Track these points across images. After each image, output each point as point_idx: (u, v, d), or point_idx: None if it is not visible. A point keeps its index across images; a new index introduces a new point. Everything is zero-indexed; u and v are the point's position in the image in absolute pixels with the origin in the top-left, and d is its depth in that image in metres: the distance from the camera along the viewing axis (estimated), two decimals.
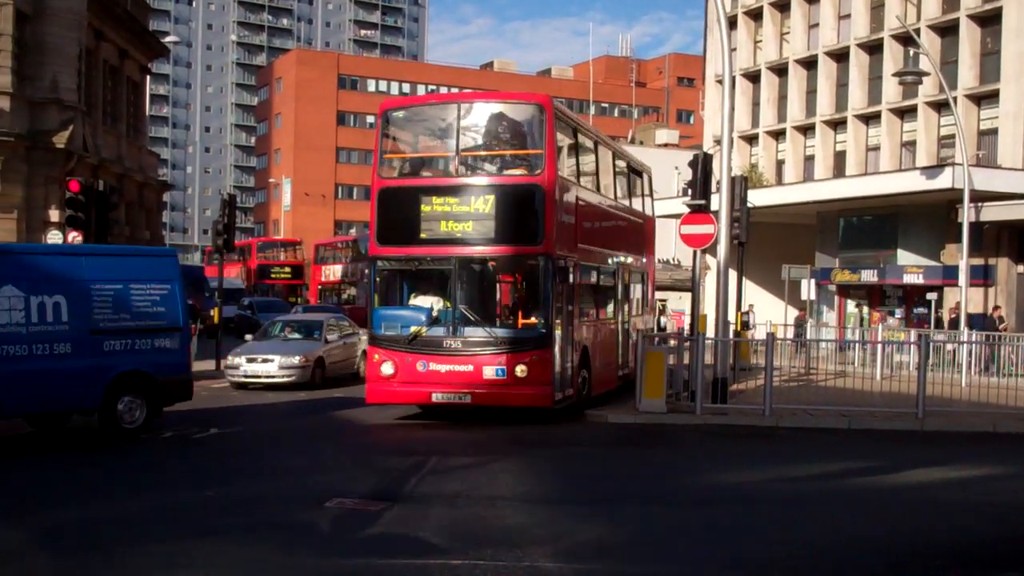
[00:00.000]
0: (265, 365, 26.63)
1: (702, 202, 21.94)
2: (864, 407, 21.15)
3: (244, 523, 11.25)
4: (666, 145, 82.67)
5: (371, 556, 9.90)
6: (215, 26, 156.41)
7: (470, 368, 19.05)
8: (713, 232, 21.59)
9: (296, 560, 9.77)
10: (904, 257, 41.16)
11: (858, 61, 50.68)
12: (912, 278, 40.23)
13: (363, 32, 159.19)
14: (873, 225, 43.67)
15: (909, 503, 13.07)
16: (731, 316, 24.43)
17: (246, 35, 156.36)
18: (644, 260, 28.11)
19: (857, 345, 32.84)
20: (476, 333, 19.26)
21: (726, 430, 19.42)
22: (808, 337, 36.11)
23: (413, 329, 19.42)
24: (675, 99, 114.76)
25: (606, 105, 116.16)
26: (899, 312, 41.06)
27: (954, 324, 34.71)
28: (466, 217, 19.37)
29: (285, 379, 26.41)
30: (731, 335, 23.92)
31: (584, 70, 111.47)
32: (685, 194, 24.41)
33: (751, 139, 57.59)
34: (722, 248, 21.49)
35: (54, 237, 30.82)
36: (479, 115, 21.15)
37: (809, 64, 53.83)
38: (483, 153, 21.03)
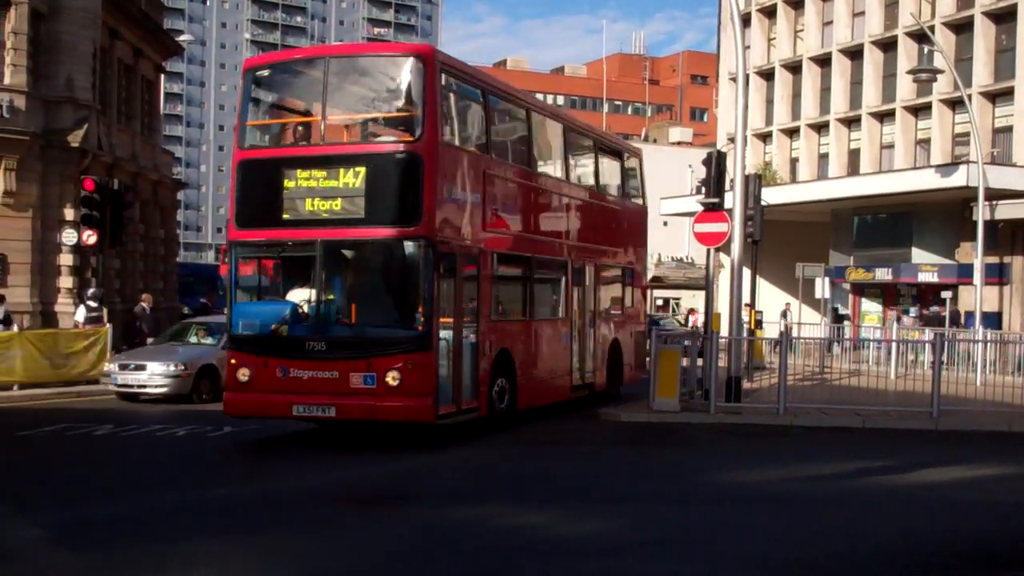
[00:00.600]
0: (136, 373, 23.06)
1: (716, 200, 21.90)
2: (879, 406, 21.12)
3: None
4: (679, 143, 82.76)
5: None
6: (229, 24, 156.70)
7: (335, 375, 15.93)
8: (727, 230, 21.55)
9: None
10: (919, 255, 41.09)
11: (872, 59, 50.58)
12: (927, 276, 40.16)
13: (376, 30, 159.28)
14: (888, 223, 43.58)
15: (925, 502, 13.02)
16: (745, 314, 24.43)
17: (260, 33, 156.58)
18: (628, 254, 25.17)
19: (872, 344, 32.72)
20: (342, 333, 16.46)
21: (740, 429, 19.38)
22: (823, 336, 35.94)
23: (273, 328, 16.68)
24: (688, 97, 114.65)
25: (619, 103, 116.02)
26: (913, 311, 40.96)
27: (955, 320, 34.94)
28: (334, 193, 16.27)
29: (157, 390, 22.81)
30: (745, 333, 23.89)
31: (597, 68, 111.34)
32: (699, 192, 24.36)
33: (765, 137, 57.52)
34: (736, 246, 21.45)
35: (69, 236, 30.93)
36: (350, 71, 17.89)
37: (823, 62, 53.74)
38: (354, 117, 17.98)
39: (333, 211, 16.26)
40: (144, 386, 22.84)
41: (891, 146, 49.77)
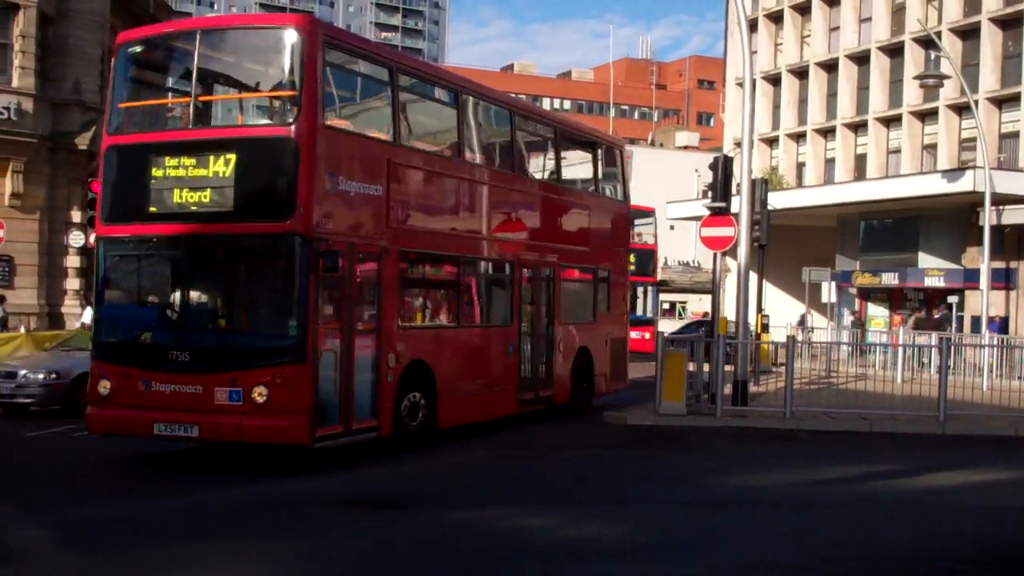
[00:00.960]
0: (5, 381, 20.36)
1: (722, 205, 21.89)
2: (885, 410, 21.09)
3: None
4: (686, 147, 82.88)
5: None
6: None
7: (199, 389, 13.85)
8: (733, 235, 21.53)
9: None
10: (925, 260, 41.05)
11: (879, 64, 50.58)
12: (933, 281, 40.11)
13: (383, 34, 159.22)
14: (894, 228, 43.55)
15: (931, 507, 13.02)
16: (751, 318, 24.42)
17: None
18: (602, 254, 22.88)
19: (878, 348, 32.68)
20: (207, 342, 14.35)
21: (746, 432, 19.35)
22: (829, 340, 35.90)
23: (136, 335, 14.95)
24: (695, 102, 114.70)
25: (626, 108, 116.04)
26: (936, 315, 40.87)
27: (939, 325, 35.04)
28: (203, 184, 14.24)
29: (25, 400, 20.21)
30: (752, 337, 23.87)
31: (604, 72, 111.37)
32: (705, 196, 24.33)
33: (771, 142, 57.52)
34: (742, 251, 21.44)
35: (76, 238, 31.02)
36: (224, 46, 15.83)
37: (830, 67, 53.74)
38: (226, 97, 16.47)
39: (202, 203, 14.25)
40: (13, 396, 20.16)
41: (898, 151, 49.76)
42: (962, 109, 45.36)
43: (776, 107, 57.25)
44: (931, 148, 48.04)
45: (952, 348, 25.03)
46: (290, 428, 13.67)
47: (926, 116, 48.43)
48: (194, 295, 14.91)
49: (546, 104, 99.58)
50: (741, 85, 28.13)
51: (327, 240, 14.04)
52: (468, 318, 18.33)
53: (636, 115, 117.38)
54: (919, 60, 46.41)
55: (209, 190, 14.25)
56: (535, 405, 19.95)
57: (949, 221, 40.07)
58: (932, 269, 40.24)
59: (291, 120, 14.16)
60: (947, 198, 37.49)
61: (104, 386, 14.48)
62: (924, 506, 13.07)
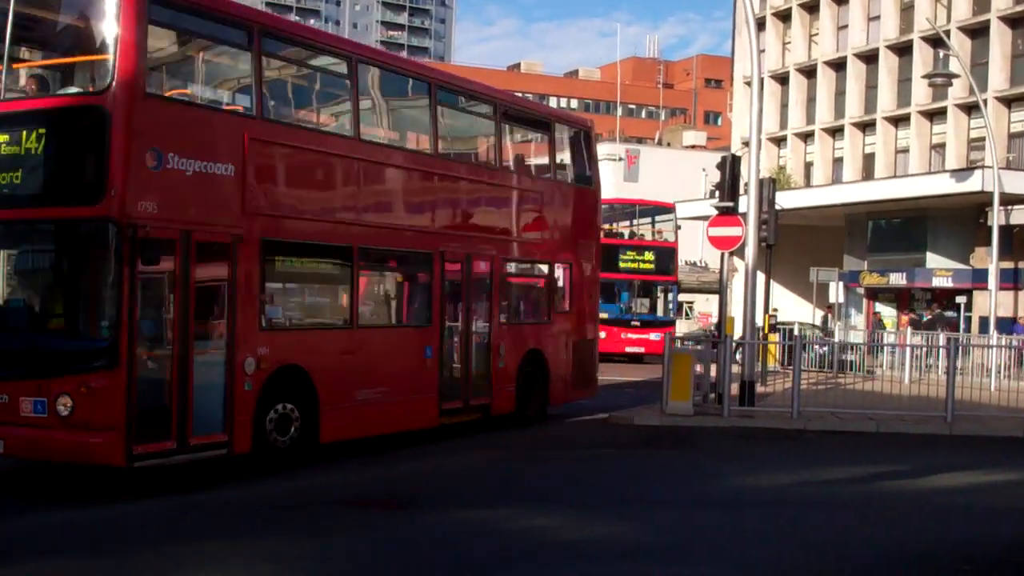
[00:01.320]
0: None
1: (730, 204, 21.84)
2: (893, 410, 21.04)
3: None
4: (693, 147, 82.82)
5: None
6: None
7: (4, 399, 12.05)
8: (741, 234, 21.47)
9: None
10: (933, 260, 40.98)
11: (887, 63, 50.50)
12: (941, 281, 40.05)
13: (390, 33, 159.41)
14: (902, 228, 43.49)
15: (938, 508, 12.97)
16: (759, 318, 24.33)
17: None
18: (559, 245, 20.39)
19: (886, 348, 32.61)
20: (11, 344, 12.41)
21: (753, 433, 19.30)
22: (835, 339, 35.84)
23: None
24: (702, 100, 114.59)
25: (633, 107, 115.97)
26: (927, 316, 40.82)
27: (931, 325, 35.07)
28: (14, 162, 12.45)
29: None
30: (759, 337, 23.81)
31: (611, 71, 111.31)
32: (712, 196, 24.27)
33: (779, 141, 57.47)
34: (750, 250, 21.37)
35: None
36: (39, 4, 13.81)
37: (838, 66, 53.67)
38: (41, 63, 14.19)
39: (14, 184, 12.45)
40: None
41: (906, 151, 49.68)
42: (971, 108, 45.26)
43: (784, 106, 57.19)
44: (940, 148, 47.95)
45: (960, 349, 24.95)
46: (99, 445, 11.71)
47: (935, 115, 48.34)
48: (2, 287, 13.22)
49: (552, 103, 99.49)
50: (749, 84, 28.07)
51: (148, 227, 12.01)
52: (370, 317, 16.29)
53: (643, 114, 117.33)
54: (928, 59, 46.29)
55: (20, 170, 12.45)
56: (463, 415, 17.74)
57: (957, 221, 40.00)
58: (940, 269, 40.17)
59: (104, 88, 12.08)
60: (956, 198, 37.44)
61: None
62: (931, 507, 13.03)
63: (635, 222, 41.47)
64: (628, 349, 37.26)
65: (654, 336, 35.41)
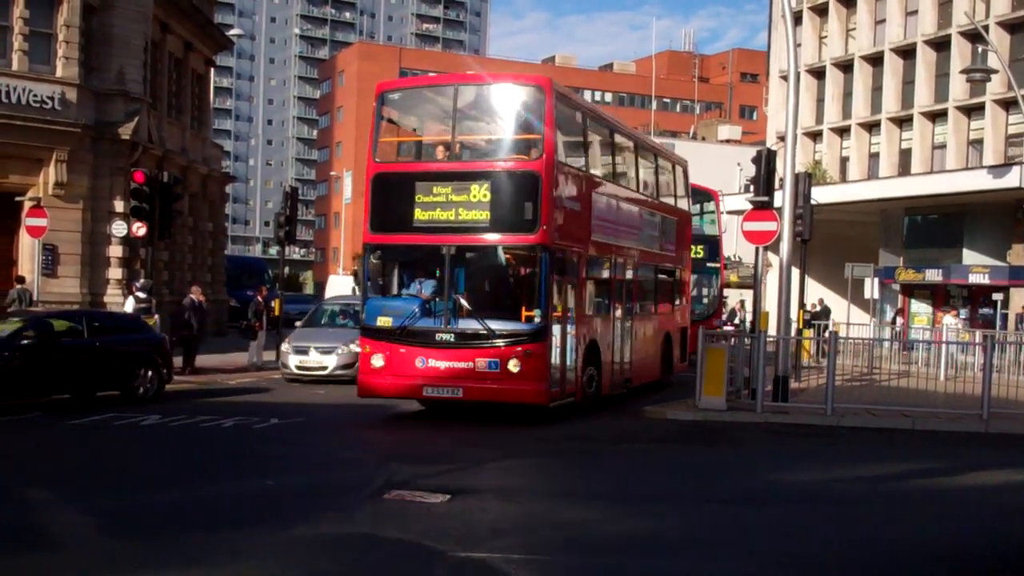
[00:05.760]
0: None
1: (765, 199, 21.75)
2: (928, 407, 20.88)
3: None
4: (728, 141, 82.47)
5: (435, 546, 9.87)
6: (279, 19, 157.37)
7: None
8: (776, 229, 21.39)
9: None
10: (969, 257, 40.64)
11: (925, 58, 50.13)
12: (977, 278, 39.70)
13: (425, 26, 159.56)
14: (938, 224, 43.17)
15: (972, 506, 12.89)
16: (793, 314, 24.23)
17: (309, 28, 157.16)
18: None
19: (921, 345, 32.39)
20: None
21: (787, 429, 19.23)
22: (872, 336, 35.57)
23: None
24: (738, 95, 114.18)
25: (668, 100, 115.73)
26: (964, 312, 40.54)
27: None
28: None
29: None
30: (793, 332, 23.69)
31: (646, 65, 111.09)
32: (747, 190, 24.15)
33: (815, 136, 57.14)
34: (785, 245, 21.30)
35: (119, 227, 31.18)
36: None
37: (875, 60, 53.32)
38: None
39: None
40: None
41: (943, 146, 49.32)
42: (1009, 104, 44.86)
43: (820, 101, 56.87)
44: (977, 143, 47.57)
45: (996, 346, 24.74)
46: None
47: (972, 111, 47.95)
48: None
49: (587, 96, 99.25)
50: (785, 78, 27.95)
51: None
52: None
53: (678, 108, 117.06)
54: (966, 54, 45.93)
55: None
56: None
57: (994, 217, 39.67)
58: (977, 266, 39.84)
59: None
60: (993, 194, 37.09)
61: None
62: (966, 504, 12.95)
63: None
64: None
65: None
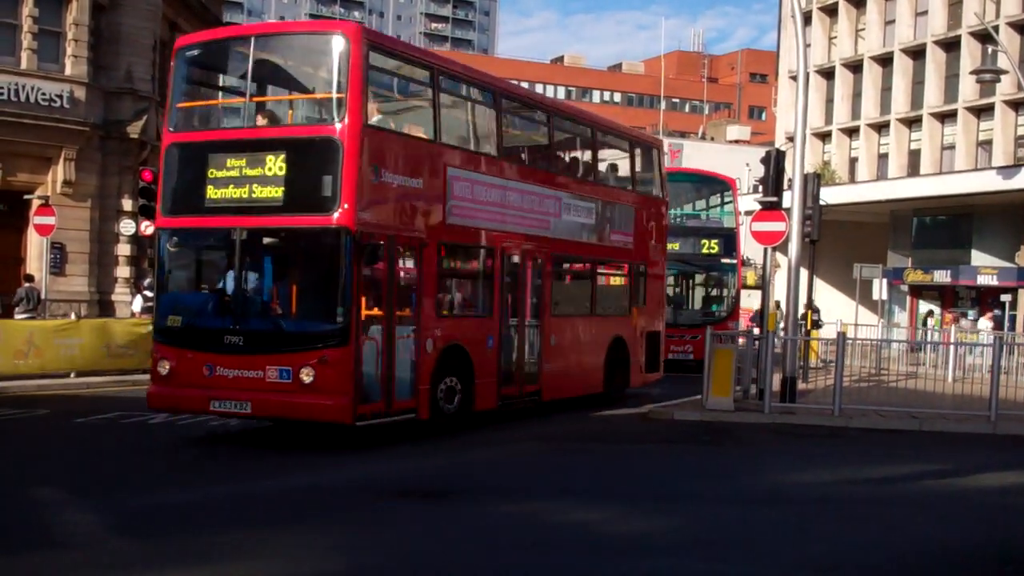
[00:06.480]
0: None
1: (774, 199, 21.72)
2: (935, 409, 20.84)
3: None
4: (737, 141, 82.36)
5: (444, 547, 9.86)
6: (287, 19, 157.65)
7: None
8: (784, 229, 21.35)
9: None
10: (978, 258, 40.63)
11: (935, 58, 50.08)
12: (986, 279, 39.68)
13: (433, 25, 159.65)
14: (947, 225, 43.16)
15: (980, 507, 12.85)
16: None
17: None
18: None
19: (928, 346, 32.34)
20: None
21: (794, 429, 19.18)
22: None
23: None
24: (746, 95, 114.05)
25: (676, 101, 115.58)
26: (972, 314, 40.49)
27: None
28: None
29: None
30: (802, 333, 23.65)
31: (655, 65, 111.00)
32: (756, 191, 24.12)
33: (824, 136, 57.13)
34: (793, 246, 21.26)
35: (127, 226, 31.24)
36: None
37: (885, 61, 53.29)
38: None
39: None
40: None
41: (952, 147, 49.27)
42: (1019, 105, 44.86)
43: (829, 101, 56.84)
44: (986, 144, 47.51)
45: (1004, 348, 24.69)
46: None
47: (982, 112, 47.89)
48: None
49: (595, 96, 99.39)
50: (794, 79, 27.87)
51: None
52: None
53: (687, 108, 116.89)
54: (976, 55, 45.88)
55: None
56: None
57: (1004, 218, 39.65)
58: (985, 267, 39.80)
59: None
60: (1002, 195, 37.09)
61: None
62: (973, 506, 12.91)
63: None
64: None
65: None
